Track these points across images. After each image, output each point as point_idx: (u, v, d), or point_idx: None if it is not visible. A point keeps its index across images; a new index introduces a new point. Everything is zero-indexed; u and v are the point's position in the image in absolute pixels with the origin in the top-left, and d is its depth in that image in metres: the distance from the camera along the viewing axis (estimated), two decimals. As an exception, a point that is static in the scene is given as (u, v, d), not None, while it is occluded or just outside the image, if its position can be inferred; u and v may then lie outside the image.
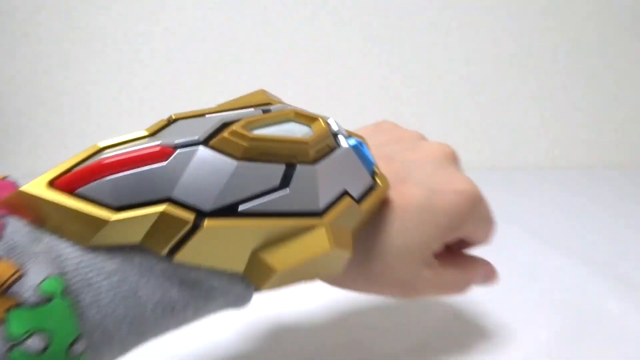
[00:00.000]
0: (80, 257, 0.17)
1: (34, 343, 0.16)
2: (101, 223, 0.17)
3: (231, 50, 0.72)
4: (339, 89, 0.74)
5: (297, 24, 0.72)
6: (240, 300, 0.21)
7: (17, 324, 0.16)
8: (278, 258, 0.19)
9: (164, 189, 0.18)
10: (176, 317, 0.19)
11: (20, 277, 0.16)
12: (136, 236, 0.18)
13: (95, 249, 0.18)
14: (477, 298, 0.37)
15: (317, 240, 0.19)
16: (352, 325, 0.33)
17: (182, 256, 0.18)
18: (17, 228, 0.17)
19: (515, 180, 0.68)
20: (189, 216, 0.17)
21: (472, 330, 0.33)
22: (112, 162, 0.17)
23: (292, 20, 0.71)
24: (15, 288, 0.16)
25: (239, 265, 0.19)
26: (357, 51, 0.73)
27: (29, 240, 0.17)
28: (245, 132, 0.18)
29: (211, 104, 0.73)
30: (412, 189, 0.24)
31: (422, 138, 0.28)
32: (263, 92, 0.23)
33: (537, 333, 0.32)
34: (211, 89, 0.73)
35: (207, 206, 0.18)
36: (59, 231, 0.17)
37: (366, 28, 0.72)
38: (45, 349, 0.16)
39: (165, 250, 0.18)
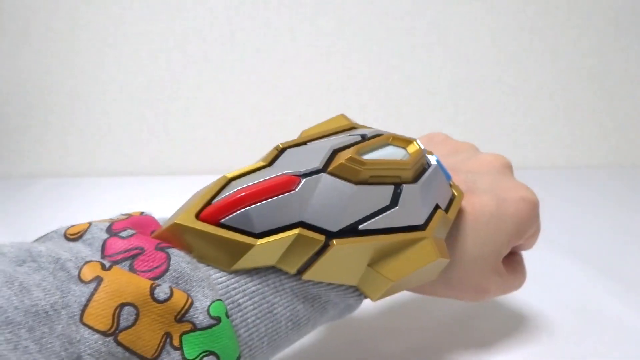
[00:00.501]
0: (227, 280, 0.19)
1: None
2: (246, 248, 0.19)
3: (231, 50, 0.72)
4: (339, 89, 0.74)
5: (297, 23, 0.72)
6: (350, 309, 0.22)
7: (190, 348, 0.16)
8: (392, 269, 0.21)
9: (296, 214, 0.19)
10: (299, 330, 0.21)
11: (191, 304, 0.17)
12: (274, 258, 0.19)
13: (236, 272, 0.19)
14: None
15: (424, 251, 0.21)
16: (353, 325, 0.33)
17: (310, 274, 0.20)
18: (179, 258, 0.18)
19: (515, 180, 0.67)
20: (320, 237, 0.19)
21: (472, 331, 0.33)
22: (249, 194, 0.19)
23: (292, 20, 0.71)
24: (187, 314, 0.17)
25: (355, 279, 0.21)
26: (357, 51, 0.73)
27: (190, 269, 0.18)
28: (360, 159, 0.20)
29: (211, 103, 0.73)
30: (481, 198, 0.25)
31: (477, 149, 0.30)
32: (344, 117, 0.25)
33: (538, 333, 0.32)
34: (211, 88, 0.73)
35: (334, 227, 0.20)
36: (203, 258, 0.19)
37: (366, 28, 0.72)
38: None
39: (295, 269, 0.20)
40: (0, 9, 0.69)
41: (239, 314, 0.18)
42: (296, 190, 0.19)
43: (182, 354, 0.16)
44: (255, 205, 0.19)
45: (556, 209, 0.57)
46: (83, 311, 0.15)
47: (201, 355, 0.17)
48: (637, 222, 0.53)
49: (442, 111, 0.76)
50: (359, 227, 0.20)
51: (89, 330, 0.15)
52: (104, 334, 0.15)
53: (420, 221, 0.22)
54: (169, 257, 0.18)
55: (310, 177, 0.20)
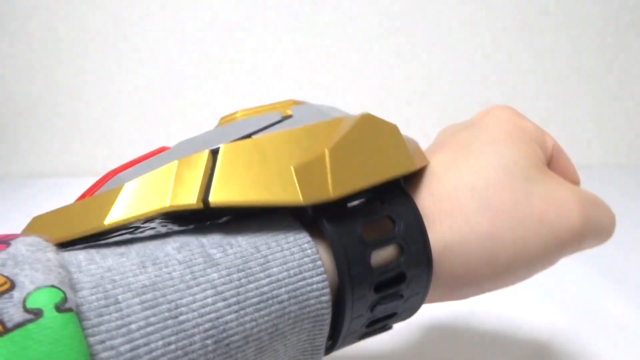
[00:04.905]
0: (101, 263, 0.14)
1: None
2: (116, 192, 0.16)
3: (231, 50, 0.72)
4: (339, 89, 0.74)
5: (297, 23, 0.72)
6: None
7: None
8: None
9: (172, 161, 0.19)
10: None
11: (7, 290, 0.12)
12: (162, 195, 0.16)
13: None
14: (476, 298, 0.37)
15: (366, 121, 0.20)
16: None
17: (217, 194, 0.17)
18: (22, 243, 0.13)
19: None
20: (205, 153, 0.17)
21: (472, 330, 0.33)
22: (122, 166, 0.18)
23: (292, 19, 0.71)
24: None
25: (285, 190, 0.19)
26: (357, 51, 0.73)
27: (30, 251, 0.13)
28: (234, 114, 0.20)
29: (211, 103, 0.73)
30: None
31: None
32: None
33: (538, 333, 0.32)
34: (211, 88, 0.73)
35: (219, 144, 0.19)
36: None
37: (366, 28, 0.72)
38: None
39: (195, 196, 0.17)
40: (1, 9, 0.69)
41: (114, 310, 0.13)
42: (170, 149, 0.18)
43: None
44: (126, 170, 0.17)
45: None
46: None
47: None
48: (637, 222, 0.52)
49: (441, 111, 0.76)
50: (252, 136, 0.17)
51: None
52: None
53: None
54: (8, 245, 0.13)
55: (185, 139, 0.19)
